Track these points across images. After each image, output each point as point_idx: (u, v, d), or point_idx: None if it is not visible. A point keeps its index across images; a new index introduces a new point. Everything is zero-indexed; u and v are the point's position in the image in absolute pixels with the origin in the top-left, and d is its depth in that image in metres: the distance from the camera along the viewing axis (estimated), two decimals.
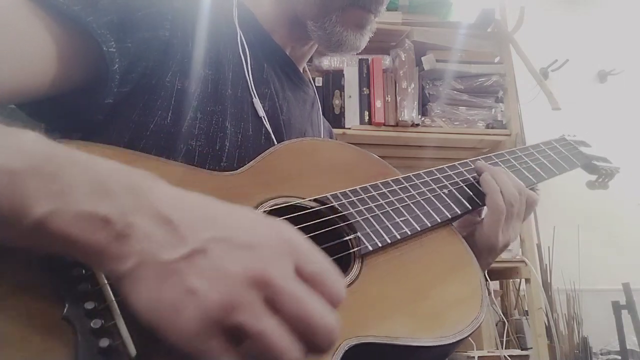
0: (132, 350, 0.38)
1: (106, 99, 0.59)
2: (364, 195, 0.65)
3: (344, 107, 1.93)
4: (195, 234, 0.37)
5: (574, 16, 3.05)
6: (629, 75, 2.99)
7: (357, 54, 1.96)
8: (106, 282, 0.41)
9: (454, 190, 0.74)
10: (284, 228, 0.40)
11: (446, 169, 0.78)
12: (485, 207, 0.76)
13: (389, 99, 1.96)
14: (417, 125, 1.96)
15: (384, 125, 1.93)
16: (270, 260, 0.36)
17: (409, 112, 1.93)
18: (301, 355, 0.36)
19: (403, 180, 0.71)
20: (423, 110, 2.01)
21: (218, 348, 0.35)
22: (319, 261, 0.39)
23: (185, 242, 0.36)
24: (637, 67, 3.01)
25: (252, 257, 0.36)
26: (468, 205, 0.73)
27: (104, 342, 0.37)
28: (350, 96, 1.94)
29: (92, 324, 0.38)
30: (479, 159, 0.84)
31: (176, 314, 0.34)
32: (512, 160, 0.86)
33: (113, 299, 0.40)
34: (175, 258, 0.35)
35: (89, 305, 0.39)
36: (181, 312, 0.34)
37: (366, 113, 1.93)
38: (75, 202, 0.36)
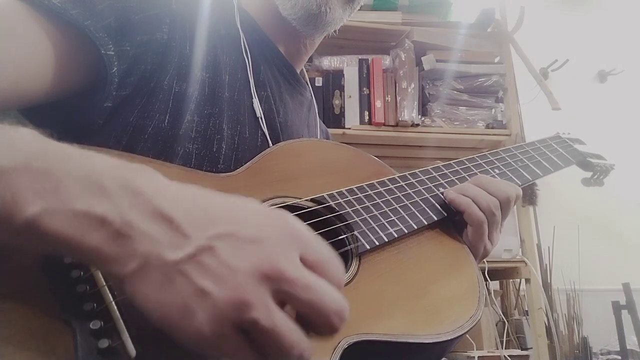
0: (132, 350, 0.38)
1: (105, 103, 0.59)
2: (360, 195, 0.66)
3: (344, 107, 1.93)
4: (198, 231, 0.36)
5: (574, 16, 3.05)
6: (629, 75, 2.99)
7: (357, 53, 1.98)
8: (104, 284, 0.41)
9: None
10: (285, 218, 0.39)
11: (442, 167, 0.78)
12: None
13: (389, 99, 1.96)
14: (417, 125, 1.96)
15: (384, 125, 1.93)
16: (278, 252, 0.36)
17: (409, 112, 1.94)
18: (310, 347, 0.36)
19: (399, 179, 0.72)
20: (423, 110, 2.01)
21: (232, 346, 0.35)
22: (321, 249, 0.39)
23: (190, 241, 0.35)
24: (637, 67, 3.00)
25: (259, 251, 0.36)
26: None
27: (104, 343, 0.37)
28: (350, 96, 1.94)
29: (91, 325, 0.38)
30: (487, 154, 0.85)
31: (189, 316, 0.34)
32: (508, 159, 0.87)
33: (112, 300, 0.40)
34: (180, 258, 0.35)
35: (88, 307, 0.39)
36: (193, 314, 0.34)
37: (366, 113, 1.93)
38: (69, 201, 0.35)
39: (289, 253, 0.37)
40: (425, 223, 0.67)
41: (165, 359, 0.40)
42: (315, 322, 0.37)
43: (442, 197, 0.72)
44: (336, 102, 1.93)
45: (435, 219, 0.68)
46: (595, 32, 3.00)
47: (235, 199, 0.40)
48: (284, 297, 0.36)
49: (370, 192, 0.67)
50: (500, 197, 0.71)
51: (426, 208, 0.69)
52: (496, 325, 2.06)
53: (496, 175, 0.82)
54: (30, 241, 0.36)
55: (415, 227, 0.65)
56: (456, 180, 0.77)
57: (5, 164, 0.35)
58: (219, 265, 0.35)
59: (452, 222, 0.71)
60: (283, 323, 0.35)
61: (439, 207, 0.70)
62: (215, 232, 0.36)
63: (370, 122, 1.93)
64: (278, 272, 0.35)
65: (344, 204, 0.63)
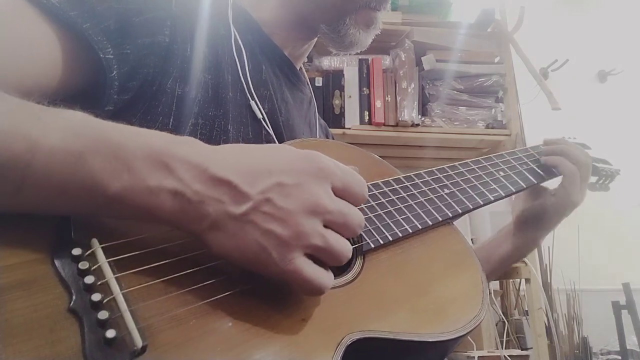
0: (139, 341, 0.38)
1: (106, 106, 0.58)
2: None
3: (344, 107, 1.93)
4: (252, 187, 0.44)
5: (573, 16, 3.05)
6: (629, 75, 2.99)
7: (357, 53, 1.97)
8: (112, 275, 0.41)
9: (455, 190, 0.75)
10: (313, 157, 0.48)
11: (447, 169, 0.78)
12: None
13: (389, 99, 1.96)
14: (417, 125, 1.96)
15: (384, 125, 1.93)
16: (316, 190, 0.46)
17: (409, 112, 1.94)
18: (350, 249, 0.48)
19: (404, 180, 0.72)
20: (423, 110, 2.01)
21: (303, 266, 0.45)
22: (345, 175, 0.49)
23: (248, 197, 0.44)
24: (637, 67, 3.01)
25: (303, 193, 0.46)
26: (469, 205, 0.74)
27: (111, 333, 0.37)
28: (350, 96, 1.95)
29: (98, 316, 0.38)
30: (492, 157, 0.86)
31: (264, 252, 0.44)
32: (513, 161, 0.87)
33: (119, 291, 0.40)
34: (245, 211, 0.44)
35: (96, 297, 0.39)
36: (267, 250, 0.44)
37: (366, 113, 1.93)
38: (143, 179, 0.42)
39: (323, 188, 0.47)
40: (430, 224, 0.67)
41: (172, 348, 0.40)
42: (346, 234, 0.48)
43: (446, 197, 0.72)
44: (336, 102, 1.93)
45: (440, 219, 0.68)
46: (595, 32, 3.01)
47: (270, 148, 0.50)
48: (326, 222, 0.46)
49: (375, 191, 0.67)
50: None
51: (431, 209, 0.69)
52: (496, 325, 2.06)
53: (501, 178, 0.82)
54: (117, 212, 0.44)
55: (420, 227, 0.65)
56: (461, 182, 0.77)
57: (77, 149, 0.41)
58: (277, 211, 0.44)
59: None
60: (333, 240, 0.46)
61: (443, 207, 0.70)
62: (265, 186, 0.45)
63: (370, 122, 1.93)
64: (321, 206, 0.46)
65: None
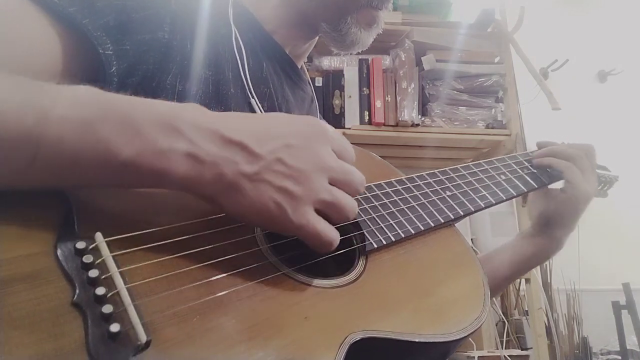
0: (143, 336, 0.38)
1: None
2: (368, 194, 0.66)
3: (344, 107, 1.93)
4: (263, 148, 0.46)
5: (574, 16, 3.06)
6: (629, 75, 2.99)
7: (357, 53, 1.97)
8: (117, 269, 0.41)
9: (457, 193, 0.75)
10: (315, 122, 0.52)
11: (448, 171, 0.79)
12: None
13: (389, 99, 1.96)
14: (417, 125, 1.96)
15: (384, 125, 1.93)
16: (322, 151, 0.49)
17: (409, 112, 1.94)
18: (355, 205, 0.52)
19: (406, 181, 0.72)
20: (423, 110, 2.01)
21: (315, 220, 0.48)
22: (341, 140, 0.53)
23: (260, 157, 0.46)
24: (637, 67, 3.01)
25: (310, 152, 0.49)
26: (471, 207, 0.74)
27: (115, 327, 0.37)
28: (350, 96, 1.95)
29: (102, 309, 0.38)
30: (493, 160, 0.87)
31: (279, 208, 0.46)
32: (515, 165, 0.88)
33: (124, 285, 0.40)
34: (257, 169, 0.46)
35: (100, 291, 0.39)
36: (281, 205, 0.46)
37: (366, 113, 1.93)
38: (154, 142, 0.43)
39: (327, 150, 0.50)
40: (432, 225, 0.67)
41: (175, 345, 0.40)
42: (350, 191, 0.51)
43: (448, 199, 0.72)
44: (336, 102, 1.93)
45: (442, 221, 0.68)
46: (595, 32, 3.01)
47: (273, 116, 0.54)
48: (332, 180, 0.49)
49: (378, 192, 0.67)
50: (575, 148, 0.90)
51: (433, 210, 0.69)
52: (496, 325, 2.06)
53: (502, 181, 0.83)
54: (129, 179, 0.44)
55: (422, 229, 0.65)
56: (463, 185, 0.77)
57: (87, 116, 0.42)
58: (288, 169, 0.47)
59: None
60: (340, 195, 0.50)
61: (445, 209, 0.71)
62: (274, 146, 0.47)
63: (370, 122, 1.93)
64: (327, 165, 0.49)
65: None
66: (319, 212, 0.49)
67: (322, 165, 0.49)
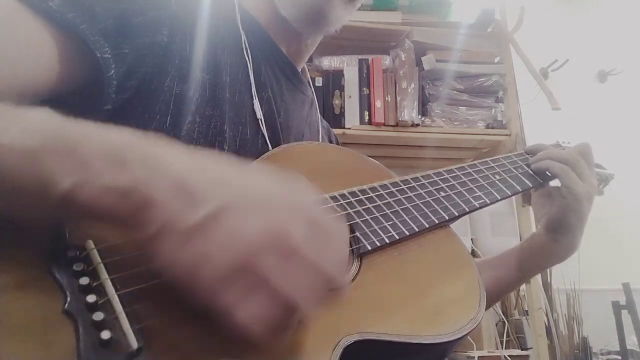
0: (134, 342, 0.38)
1: (105, 106, 0.58)
2: (362, 197, 0.66)
3: (344, 107, 1.93)
4: (208, 199, 0.39)
5: (574, 16, 3.05)
6: (629, 75, 2.99)
7: (357, 53, 1.98)
8: (107, 277, 0.41)
9: (451, 194, 0.75)
10: (302, 186, 0.44)
11: (443, 172, 0.79)
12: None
13: (389, 99, 1.96)
14: (417, 125, 1.95)
15: (384, 125, 1.93)
16: (291, 219, 0.40)
17: (409, 112, 1.93)
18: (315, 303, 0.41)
19: (400, 183, 0.72)
20: (423, 110, 2.01)
21: (230, 300, 0.38)
22: (326, 224, 0.43)
23: (200, 208, 0.39)
24: (637, 67, 3.00)
25: (272, 215, 0.40)
26: (465, 208, 0.74)
27: (106, 335, 0.37)
28: (350, 96, 1.94)
29: (93, 317, 0.38)
30: (488, 160, 0.87)
31: (194, 273, 0.38)
32: (509, 165, 0.88)
33: (114, 292, 0.40)
34: (191, 225, 0.38)
35: (91, 299, 0.39)
36: (198, 273, 0.38)
37: (366, 113, 1.93)
38: (97, 176, 0.40)
39: (299, 221, 0.40)
40: (427, 226, 0.67)
41: (167, 352, 0.40)
42: (319, 284, 0.41)
43: (443, 200, 0.72)
44: (336, 102, 1.93)
45: (436, 222, 0.68)
46: (595, 32, 3.01)
47: (247, 167, 0.45)
48: (289, 260, 0.39)
49: (371, 194, 0.67)
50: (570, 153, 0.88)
51: (427, 211, 0.69)
52: (496, 325, 2.06)
53: (497, 181, 0.83)
54: (66, 213, 0.41)
55: (417, 230, 0.65)
56: (457, 185, 0.77)
57: (32, 145, 0.40)
58: (222, 233, 0.38)
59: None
60: (285, 286, 0.38)
61: (439, 210, 0.71)
62: (223, 201, 0.40)
63: (370, 122, 1.93)
64: (286, 238, 0.39)
65: (345, 205, 0.63)
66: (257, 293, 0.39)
67: (279, 235, 0.39)
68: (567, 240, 0.88)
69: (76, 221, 0.44)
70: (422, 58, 1.99)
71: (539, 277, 1.96)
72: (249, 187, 0.42)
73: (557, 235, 0.88)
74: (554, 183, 0.90)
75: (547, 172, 0.90)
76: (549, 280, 2.21)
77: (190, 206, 0.39)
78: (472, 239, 2.08)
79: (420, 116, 1.97)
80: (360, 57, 1.99)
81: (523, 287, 2.02)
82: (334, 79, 1.96)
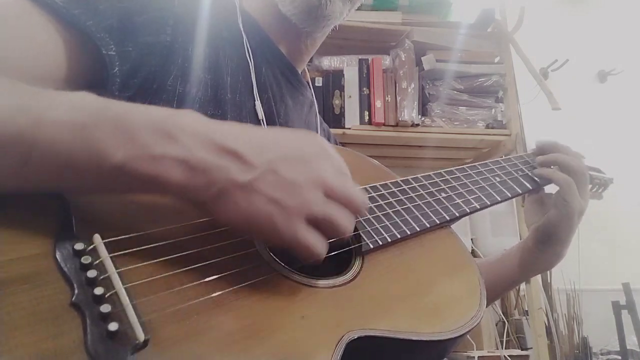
0: (141, 335, 0.38)
1: None
2: None
3: (344, 107, 1.93)
4: (258, 159, 0.46)
5: (574, 16, 3.06)
6: (629, 75, 2.99)
7: (357, 53, 1.98)
8: (115, 270, 0.41)
9: (452, 194, 0.75)
10: (313, 137, 0.51)
11: (444, 173, 0.79)
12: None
13: (389, 99, 1.96)
14: (417, 125, 1.96)
15: (384, 125, 1.93)
16: (319, 166, 0.49)
17: (409, 112, 1.94)
18: (352, 224, 0.51)
19: (402, 183, 0.72)
20: (423, 110, 2.01)
21: (304, 233, 0.46)
22: (339, 159, 0.52)
23: (255, 167, 0.45)
24: (637, 67, 3.01)
25: (307, 167, 0.48)
26: (466, 209, 0.74)
27: (113, 326, 0.38)
28: (350, 96, 1.95)
29: (101, 309, 0.38)
30: (488, 162, 0.87)
31: (269, 219, 0.45)
32: (509, 167, 0.89)
33: (122, 285, 0.41)
34: (250, 179, 0.45)
35: (98, 291, 0.39)
36: (274, 217, 0.45)
37: (366, 113, 1.93)
38: (147, 147, 0.43)
39: (325, 165, 0.49)
40: (428, 226, 0.67)
41: (173, 343, 0.40)
42: (347, 209, 0.50)
43: (443, 201, 0.73)
44: (336, 102, 1.93)
45: (437, 222, 0.69)
46: (595, 32, 3.01)
47: (272, 129, 0.54)
48: (329, 195, 0.48)
49: (373, 194, 0.67)
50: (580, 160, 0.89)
51: (429, 212, 0.70)
52: (496, 325, 2.06)
53: (497, 183, 0.83)
54: (120, 184, 0.44)
55: (418, 230, 0.66)
56: (458, 187, 0.77)
57: (82, 120, 0.42)
58: (281, 181, 0.46)
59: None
60: (333, 211, 0.48)
61: (440, 210, 0.71)
62: (270, 157, 0.46)
63: (370, 122, 1.93)
64: (323, 180, 0.48)
65: None
66: (312, 224, 0.48)
67: (318, 180, 0.48)
68: (553, 250, 0.88)
69: (126, 192, 0.47)
70: (422, 58, 1.99)
71: (539, 277, 1.96)
72: (283, 145, 0.48)
73: (545, 246, 0.88)
74: (550, 188, 0.90)
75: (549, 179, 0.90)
76: (549, 280, 2.21)
77: (244, 166, 0.45)
78: (472, 239, 2.09)
79: (420, 116, 1.98)
80: (360, 57, 1.99)
81: (523, 287, 2.02)
82: (334, 79, 1.96)
